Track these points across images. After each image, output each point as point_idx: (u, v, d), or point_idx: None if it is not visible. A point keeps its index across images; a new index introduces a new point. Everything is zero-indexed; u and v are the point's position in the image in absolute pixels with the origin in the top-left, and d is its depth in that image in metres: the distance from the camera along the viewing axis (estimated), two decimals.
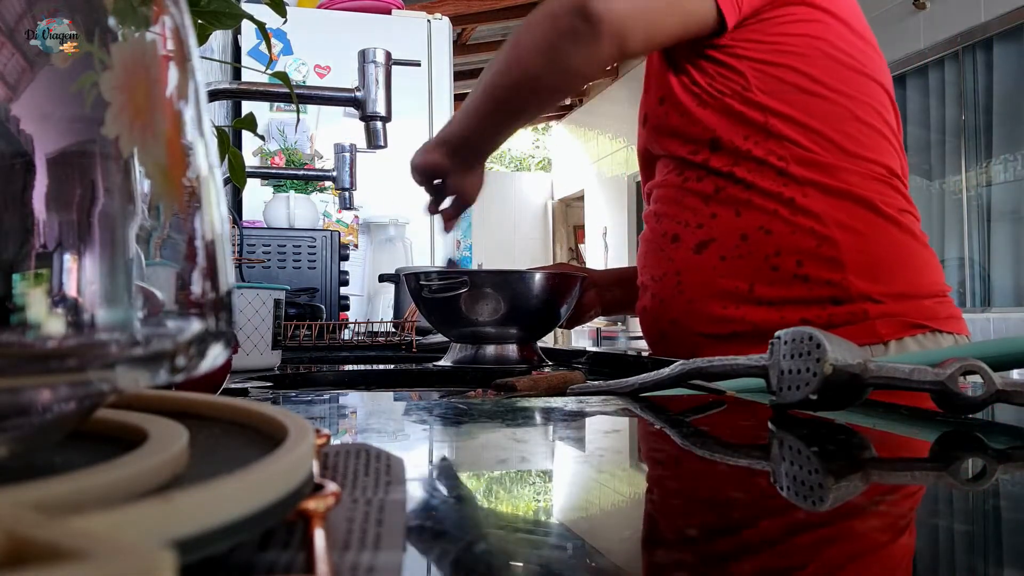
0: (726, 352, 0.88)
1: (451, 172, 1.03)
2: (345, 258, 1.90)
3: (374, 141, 1.16)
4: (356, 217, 2.59)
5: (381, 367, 0.98)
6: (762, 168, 0.91)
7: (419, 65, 1.29)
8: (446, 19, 2.86)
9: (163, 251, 0.19)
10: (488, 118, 0.97)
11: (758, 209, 0.91)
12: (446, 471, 0.32)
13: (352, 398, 0.59)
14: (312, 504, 0.18)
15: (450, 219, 1.09)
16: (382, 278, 1.82)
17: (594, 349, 1.08)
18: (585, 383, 0.59)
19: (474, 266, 3.04)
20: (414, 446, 0.37)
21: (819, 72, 0.92)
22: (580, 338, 6.31)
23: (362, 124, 1.16)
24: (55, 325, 0.18)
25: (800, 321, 0.88)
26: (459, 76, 5.89)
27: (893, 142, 0.96)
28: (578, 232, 8.62)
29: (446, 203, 1.08)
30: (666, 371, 0.52)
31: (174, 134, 0.20)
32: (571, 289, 0.99)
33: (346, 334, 1.51)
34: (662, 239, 0.99)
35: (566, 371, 0.76)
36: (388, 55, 1.14)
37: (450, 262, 1.64)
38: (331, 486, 0.19)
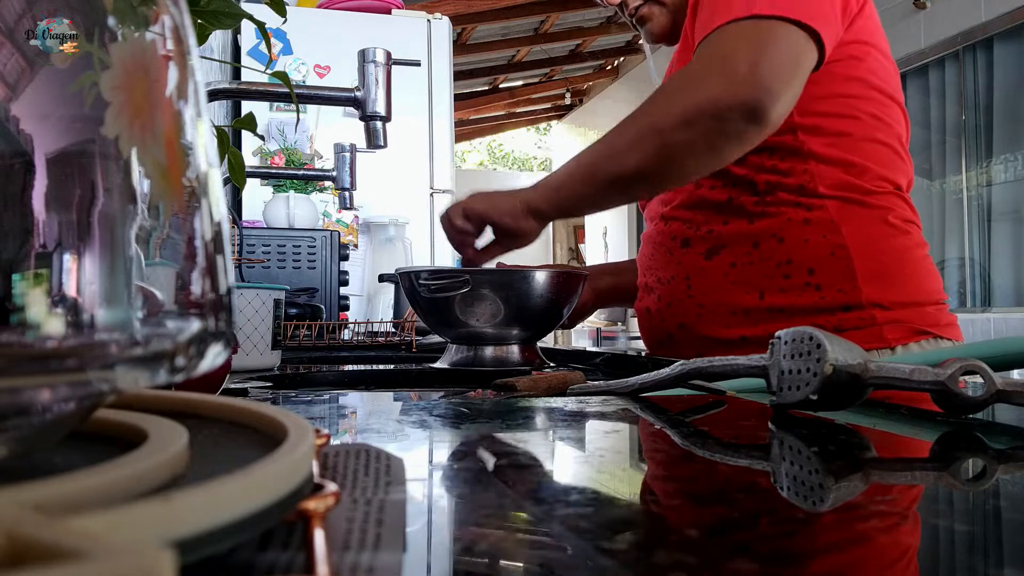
0: None
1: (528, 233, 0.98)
2: (345, 258, 1.90)
3: (374, 141, 1.16)
4: (356, 217, 2.58)
5: (381, 367, 0.98)
6: (781, 180, 0.92)
7: (419, 65, 1.29)
8: (446, 19, 2.86)
9: (163, 251, 0.19)
10: (607, 199, 0.92)
11: (771, 217, 0.91)
12: (446, 471, 0.32)
13: (352, 398, 0.59)
14: (312, 504, 0.18)
15: (484, 260, 1.04)
16: (382, 278, 1.82)
17: (598, 349, 1.08)
18: (585, 383, 0.59)
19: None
20: (414, 446, 0.37)
21: (855, 96, 0.93)
22: (580, 338, 6.31)
23: (362, 124, 1.15)
24: (55, 325, 0.18)
25: None
26: (459, 76, 5.89)
27: (905, 158, 0.97)
28: (578, 232, 8.62)
29: (481, 243, 1.03)
30: (666, 371, 0.52)
31: (173, 134, 0.20)
32: (574, 288, 0.99)
33: (346, 334, 1.51)
34: (671, 242, 0.99)
35: (566, 371, 0.76)
36: (388, 55, 1.14)
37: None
38: (331, 486, 0.19)
